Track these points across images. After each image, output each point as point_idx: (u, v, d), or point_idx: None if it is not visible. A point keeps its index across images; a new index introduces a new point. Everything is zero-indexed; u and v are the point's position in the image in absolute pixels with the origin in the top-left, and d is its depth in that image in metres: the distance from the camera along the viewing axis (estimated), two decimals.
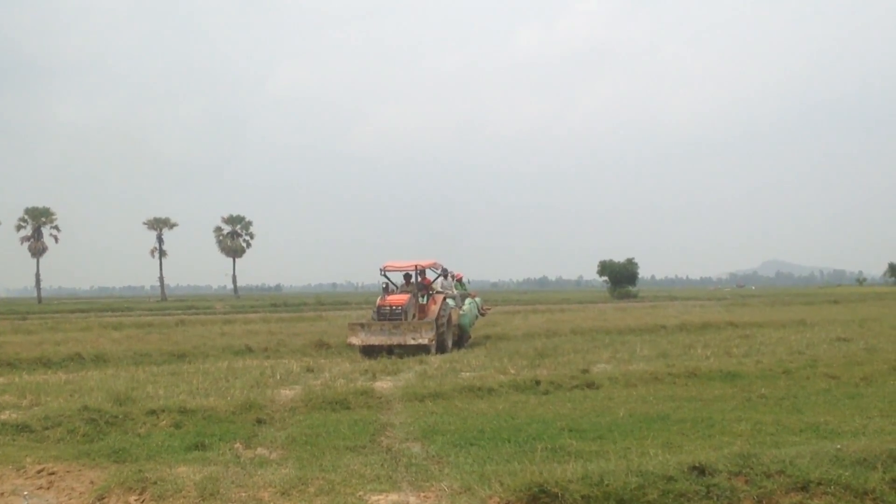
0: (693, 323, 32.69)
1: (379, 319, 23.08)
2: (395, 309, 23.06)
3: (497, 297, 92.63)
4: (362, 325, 22.73)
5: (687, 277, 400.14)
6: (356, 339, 22.45)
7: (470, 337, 25.96)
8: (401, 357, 20.47)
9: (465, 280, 28.12)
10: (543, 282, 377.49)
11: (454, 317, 24.50)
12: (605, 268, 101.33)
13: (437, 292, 24.92)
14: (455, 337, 24.62)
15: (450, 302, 24.45)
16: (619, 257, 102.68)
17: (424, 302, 24.35)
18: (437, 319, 23.01)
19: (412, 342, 22.14)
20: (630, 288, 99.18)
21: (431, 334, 22.21)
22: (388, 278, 25.03)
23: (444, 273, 26.00)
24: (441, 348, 22.79)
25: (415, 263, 24.72)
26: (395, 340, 22.28)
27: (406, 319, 22.90)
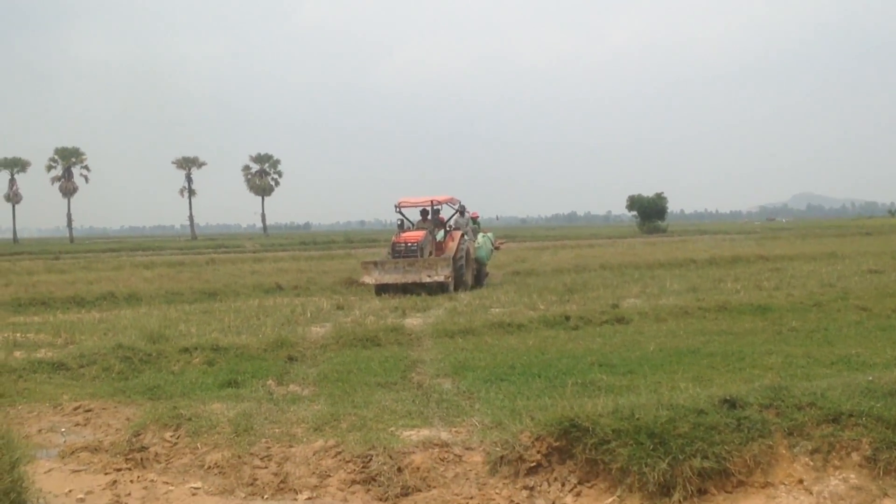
0: (723, 257, 32.53)
1: (394, 257, 22.23)
2: (411, 246, 22.30)
3: (525, 233, 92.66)
4: (376, 264, 21.96)
5: (717, 211, 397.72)
6: (370, 278, 21.76)
7: (488, 273, 25.34)
8: (430, 294, 20.18)
9: (479, 219, 27.41)
10: (572, 217, 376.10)
11: (471, 251, 23.74)
12: (634, 202, 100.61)
13: (454, 228, 24.10)
14: (474, 272, 23.94)
15: (466, 238, 23.71)
16: (647, 192, 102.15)
17: (442, 239, 23.55)
18: (454, 256, 22.26)
19: (428, 280, 21.15)
20: (659, 222, 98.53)
21: (448, 271, 21.28)
22: (404, 215, 24.21)
23: (462, 210, 25.02)
24: (460, 285, 22.11)
25: (430, 199, 24.03)
26: (410, 278, 21.25)
27: (422, 256, 22.06)
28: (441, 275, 21.13)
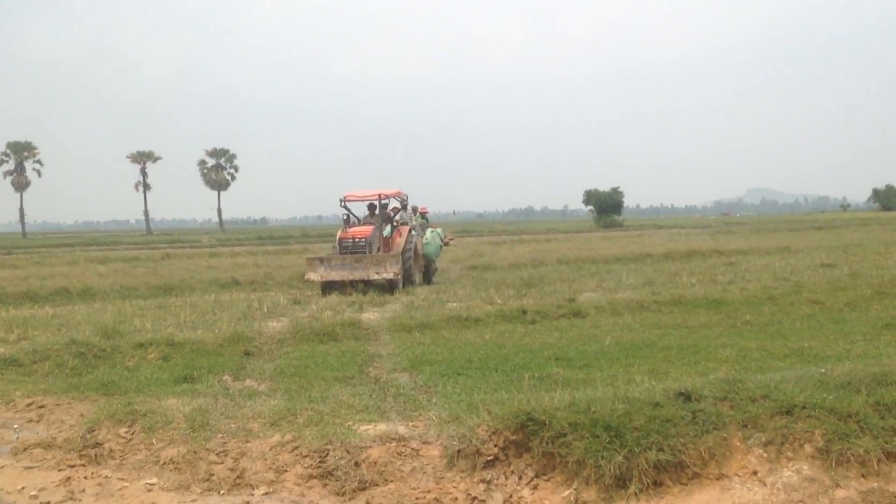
0: (678, 251, 32.85)
1: (341, 253, 21.41)
2: (358, 241, 21.41)
3: (483, 228, 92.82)
4: (322, 260, 21.14)
5: (672, 206, 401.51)
6: (315, 275, 20.85)
7: (437, 270, 24.87)
8: (381, 292, 19.79)
9: (428, 214, 26.67)
10: (529, 212, 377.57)
11: (419, 247, 23.08)
12: (591, 197, 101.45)
13: (402, 223, 23.30)
14: (422, 269, 23.34)
15: (414, 233, 22.96)
16: (604, 186, 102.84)
17: (389, 234, 22.78)
18: (403, 252, 21.60)
19: (376, 277, 20.45)
20: (615, 217, 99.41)
21: (397, 268, 20.55)
22: (349, 209, 23.15)
23: (404, 205, 24.05)
24: (408, 283, 21.54)
25: (378, 192, 22.92)
26: (357, 275, 20.48)
27: (370, 252, 21.19)
28: (390, 272, 20.53)
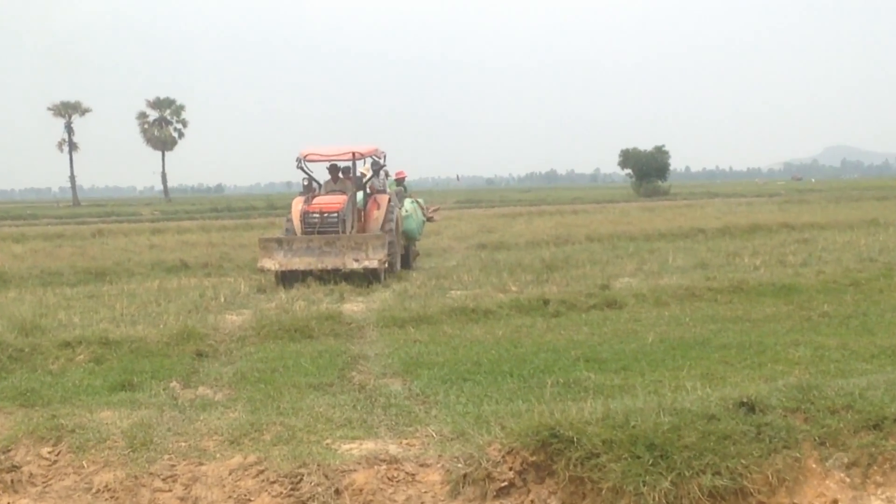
0: (738, 225, 32.78)
1: (305, 232, 19.74)
2: (329, 216, 19.76)
3: (494, 197, 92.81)
4: (280, 242, 19.45)
5: (731, 169, 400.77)
6: (272, 262, 19.05)
7: (419, 253, 24.22)
8: (349, 282, 18.60)
9: (407, 181, 25.51)
10: (552, 177, 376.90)
11: (399, 222, 21.77)
12: (629, 158, 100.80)
13: (378, 191, 21.76)
14: (402, 250, 21.95)
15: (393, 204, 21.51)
16: (645, 145, 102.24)
17: (362, 205, 21.07)
18: (385, 231, 20.14)
19: (355, 265, 18.72)
20: (660, 183, 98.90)
21: (383, 253, 18.80)
22: (309, 172, 21.68)
23: (377, 168, 21.87)
24: (389, 271, 19.88)
25: (350, 149, 21.49)
26: (329, 263, 18.89)
27: (344, 231, 19.54)
28: (374, 258, 18.68)
